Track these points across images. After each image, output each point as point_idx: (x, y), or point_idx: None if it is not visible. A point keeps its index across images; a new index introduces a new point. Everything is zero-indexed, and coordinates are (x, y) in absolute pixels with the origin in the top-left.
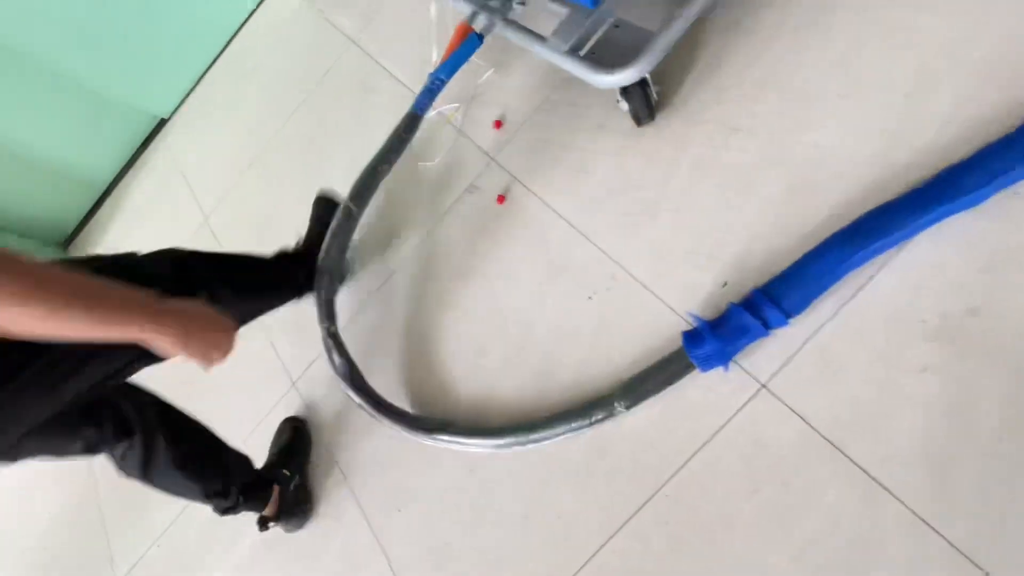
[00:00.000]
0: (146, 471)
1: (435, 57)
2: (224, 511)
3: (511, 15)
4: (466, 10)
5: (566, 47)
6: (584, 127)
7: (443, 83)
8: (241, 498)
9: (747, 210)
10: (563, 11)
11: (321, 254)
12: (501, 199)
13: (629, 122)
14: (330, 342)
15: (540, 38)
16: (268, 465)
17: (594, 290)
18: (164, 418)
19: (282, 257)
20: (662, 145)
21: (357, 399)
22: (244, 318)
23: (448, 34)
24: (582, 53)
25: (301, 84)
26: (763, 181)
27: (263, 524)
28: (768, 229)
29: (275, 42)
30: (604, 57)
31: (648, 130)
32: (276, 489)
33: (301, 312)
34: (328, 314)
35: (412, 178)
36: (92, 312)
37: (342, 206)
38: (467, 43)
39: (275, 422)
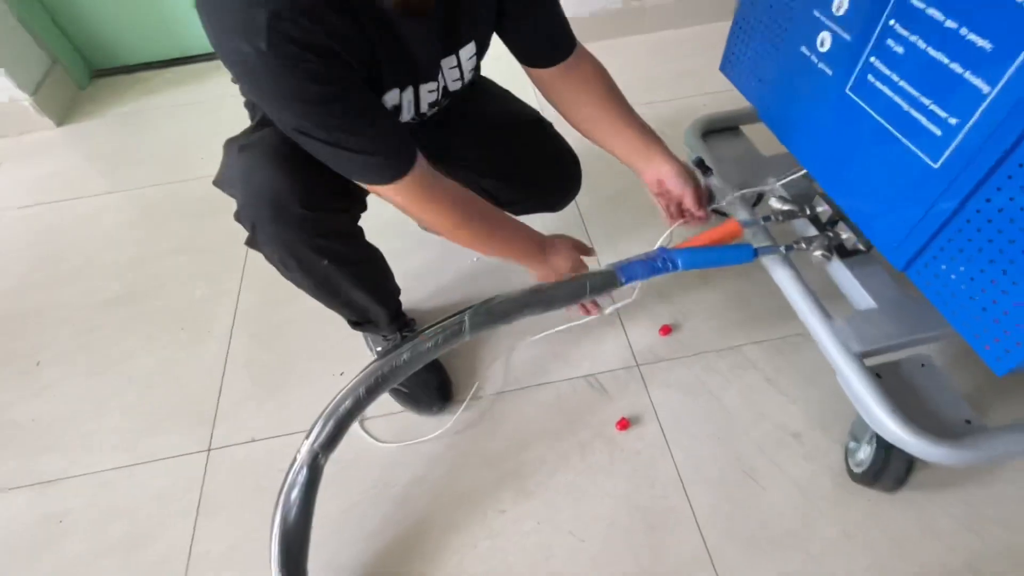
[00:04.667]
0: None
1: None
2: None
3: (792, 253)
4: (740, 216)
5: (859, 347)
6: (774, 421)
7: (673, 269)
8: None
9: None
10: (864, 300)
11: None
12: (623, 424)
13: (839, 459)
14: (305, 475)
15: (825, 312)
16: None
17: None
18: None
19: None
20: (876, 531)
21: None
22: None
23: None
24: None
25: None
26: None
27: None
28: None
29: None
30: (890, 388)
31: (861, 492)
32: None
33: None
34: (333, 433)
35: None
36: (492, 245)
37: (461, 318)
38: (737, 250)
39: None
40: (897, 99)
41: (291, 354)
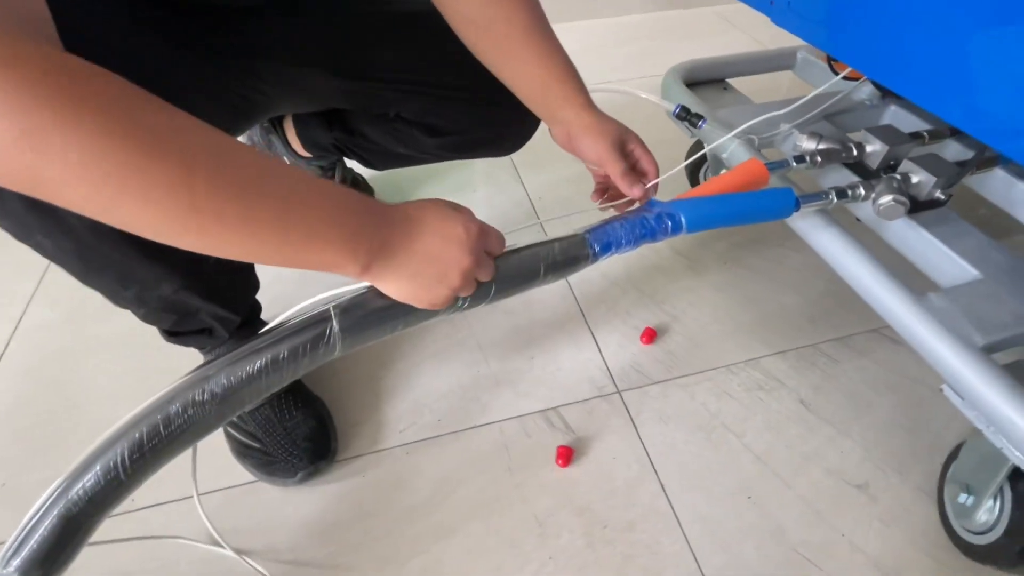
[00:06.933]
0: None
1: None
2: None
3: (859, 202)
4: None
5: (983, 337)
6: (824, 465)
7: (675, 232)
8: None
9: None
10: (959, 269)
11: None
12: (564, 456)
13: (934, 520)
14: None
15: (909, 288)
16: None
17: None
18: None
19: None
20: None
21: None
22: None
23: None
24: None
25: None
26: None
27: None
28: None
29: None
30: None
31: (982, 573)
32: None
33: None
34: (54, 540)
35: (460, 320)
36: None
37: None
38: (772, 197)
39: None
40: None
41: (83, 396)
